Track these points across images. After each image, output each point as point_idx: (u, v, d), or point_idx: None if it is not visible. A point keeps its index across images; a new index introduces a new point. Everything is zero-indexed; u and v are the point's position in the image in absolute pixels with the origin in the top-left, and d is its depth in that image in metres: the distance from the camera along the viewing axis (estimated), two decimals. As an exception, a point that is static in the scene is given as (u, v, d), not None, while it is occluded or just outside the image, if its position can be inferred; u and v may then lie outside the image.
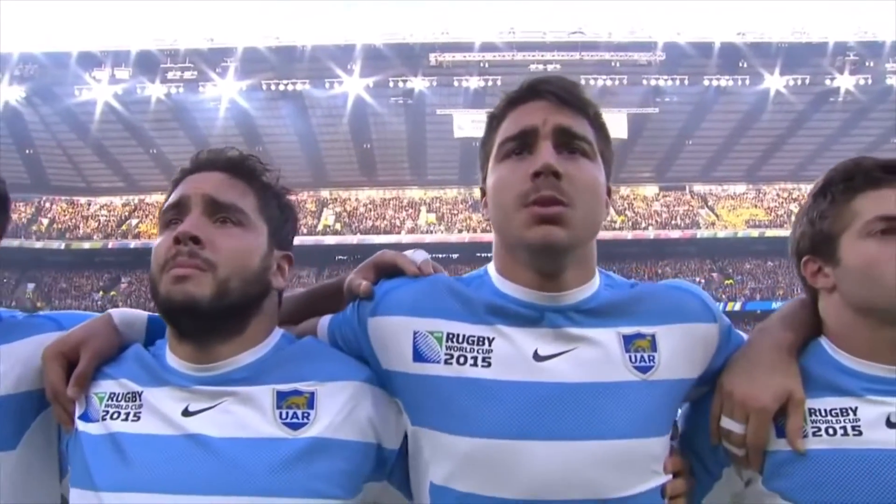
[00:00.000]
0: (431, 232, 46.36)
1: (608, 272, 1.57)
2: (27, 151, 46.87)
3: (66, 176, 49.26)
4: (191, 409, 1.38)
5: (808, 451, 1.39)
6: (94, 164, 48.07)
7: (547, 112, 1.44)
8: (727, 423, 1.45)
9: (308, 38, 43.32)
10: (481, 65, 43.41)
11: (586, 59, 44.01)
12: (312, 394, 1.41)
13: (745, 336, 1.60)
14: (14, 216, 46.20)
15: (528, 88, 1.48)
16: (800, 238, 1.60)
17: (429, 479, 1.40)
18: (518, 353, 1.40)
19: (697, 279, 44.97)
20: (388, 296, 1.50)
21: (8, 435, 1.48)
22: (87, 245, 45.44)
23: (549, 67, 43.44)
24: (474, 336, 1.42)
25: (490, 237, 1.56)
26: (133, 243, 44.77)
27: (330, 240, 45.27)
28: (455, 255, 41.43)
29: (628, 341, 1.43)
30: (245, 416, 1.37)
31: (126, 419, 1.39)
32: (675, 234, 47.04)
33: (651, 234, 47.15)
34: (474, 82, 43.10)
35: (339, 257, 44.77)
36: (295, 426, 1.37)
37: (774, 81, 44.08)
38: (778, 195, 50.04)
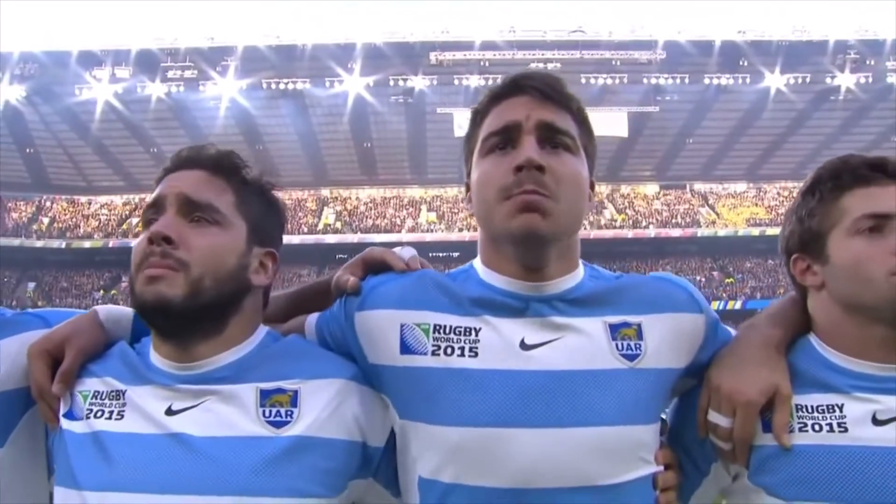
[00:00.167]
0: (432, 231, 46.40)
1: (592, 265, 1.58)
2: (28, 151, 46.90)
3: (66, 175, 49.28)
4: (174, 407, 1.37)
5: (793, 447, 1.40)
6: (95, 163, 48.10)
7: (530, 107, 1.45)
8: (714, 416, 1.46)
9: (308, 37, 43.38)
10: (482, 63, 43.42)
11: (587, 58, 44.04)
12: (296, 392, 1.40)
13: (733, 332, 1.61)
14: (15, 215, 46.62)
15: (512, 84, 1.50)
16: (789, 236, 1.61)
17: (417, 474, 1.40)
18: (505, 342, 1.41)
19: (698, 278, 44.97)
20: (375, 290, 1.50)
21: None
22: (87, 244, 45.49)
23: (550, 66, 43.42)
24: (461, 327, 1.43)
25: None
26: (134, 242, 44.51)
27: (330, 238, 45.33)
28: (456, 254, 41.36)
29: (614, 330, 1.44)
30: (228, 415, 1.36)
31: (109, 418, 1.38)
32: (675, 232, 47.06)
33: (652, 232, 47.17)
34: (475, 81, 43.09)
35: (340, 256, 44.73)
36: (278, 424, 1.36)
37: (775, 80, 44.09)
38: (778, 194, 50.03)
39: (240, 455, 1.32)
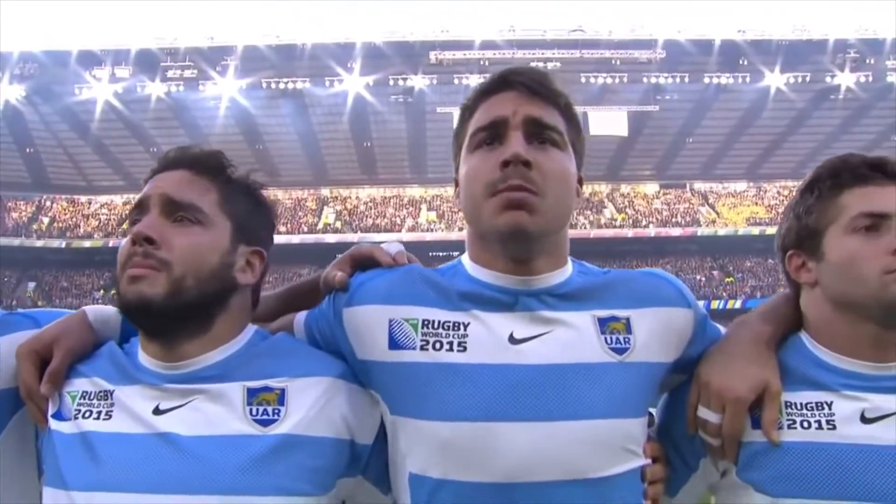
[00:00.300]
0: (432, 230, 46.39)
1: (581, 261, 1.59)
2: (27, 150, 46.88)
3: (66, 175, 49.27)
4: (161, 407, 1.38)
5: (782, 444, 1.41)
6: (95, 162, 48.08)
7: (517, 103, 1.45)
8: (704, 412, 1.47)
9: (308, 37, 43.32)
10: (481, 63, 43.36)
11: (586, 57, 44.00)
12: (283, 390, 1.41)
13: (722, 329, 1.61)
14: (14, 215, 46.62)
15: (500, 79, 1.50)
16: (786, 233, 1.62)
17: (407, 470, 1.40)
18: (494, 336, 1.41)
19: (698, 277, 44.99)
20: (363, 286, 1.51)
21: None
22: (87, 244, 45.46)
23: (550, 65, 43.37)
24: (450, 322, 1.43)
25: None
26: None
27: (330, 238, 45.26)
28: (456, 253, 40.87)
29: (603, 324, 1.44)
30: (215, 414, 1.37)
31: (97, 418, 1.39)
32: (675, 231, 47.05)
33: (652, 231, 47.17)
34: (474, 80, 42.82)
35: (340, 256, 44.74)
36: (265, 423, 1.37)
37: (775, 79, 44.07)
38: (778, 193, 50.02)
39: (227, 454, 1.32)
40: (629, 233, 47.02)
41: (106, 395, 1.41)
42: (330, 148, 48.20)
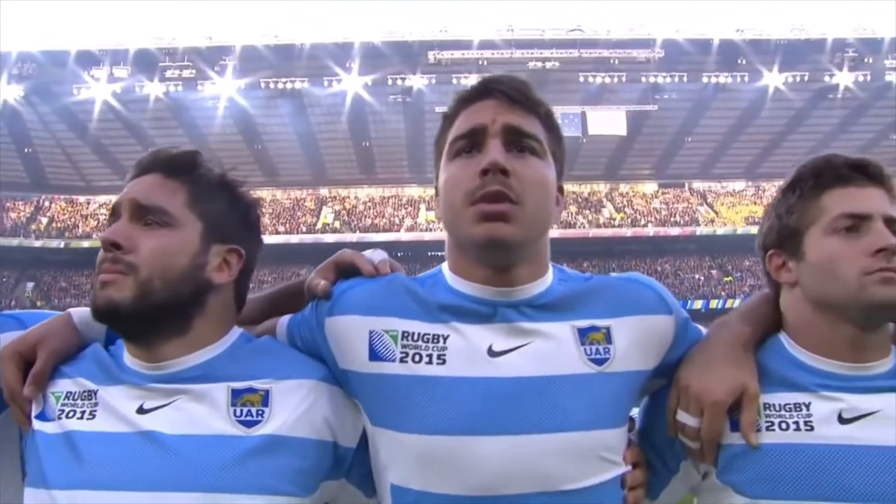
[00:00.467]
0: (431, 230, 46.34)
1: (562, 267, 1.58)
2: (26, 150, 46.83)
3: (64, 175, 49.23)
4: (145, 406, 1.38)
5: (760, 445, 1.41)
6: (93, 162, 48.04)
7: (497, 111, 1.45)
8: (683, 416, 1.47)
9: (306, 37, 43.31)
10: (480, 62, 43.37)
11: (585, 57, 44.01)
12: (267, 391, 1.41)
13: (703, 330, 1.61)
14: (13, 215, 46.55)
15: (479, 88, 1.50)
16: (767, 232, 1.62)
17: (389, 481, 1.40)
18: (473, 349, 1.40)
19: (697, 276, 45.03)
20: (345, 295, 1.50)
21: None
22: (86, 244, 45.36)
23: (548, 65, 43.48)
24: (429, 334, 1.43)
25: None
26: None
27: (329, 238, 45.23)
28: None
29: (583, 334, 1.44)
30: (199, 414, 1.38)
31: (81, 418, 1.39)
32: (674, 231, 47.06)
33: (650, 231, 47.18)
34: (473, 80, 42.62)
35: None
36: (249, 424, 1.37)
37: (773, 78, 44.09)
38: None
39: (210, 453, 1.33)
40: (628, 232, 47.04)
41: (90, 395, 1.42)
42: (328, 148, 48.19)
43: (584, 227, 46.72)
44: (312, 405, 1.43)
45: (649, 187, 51.76)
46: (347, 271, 1.58)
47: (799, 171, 1.59)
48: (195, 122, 45.06)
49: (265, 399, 1.41)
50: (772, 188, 50.27)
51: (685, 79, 44.77)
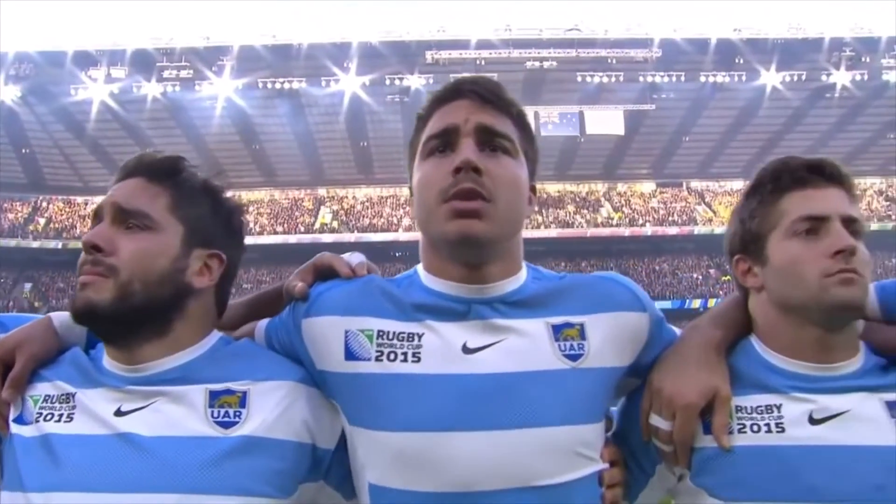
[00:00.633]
0: (429, 230, 46.33)
1: (536, 267, 1.59)
2: (23, 151, 46.74)
3: (62, 175, 49.14)
4: (123, 409, 1.39)
5: (732, 448, 1.42)
6: (91, 163, 47.93)
7: (469, 111, 1.47)
8: (656, 419, 1.48)
9: (304, 37, 43.24)
10: (477, 62, 43.33)
11: (582, 56, 43.98)
12: (245, 393, 1.42)
13: (678, 331, 1.62)
14: (11, 216, 46.50)
15: (452, 88, 1.53)
16: (731, 237, 1.64)
17: (367, 480, 1.41)
18: (447, 346, 1.42)
19: (695, 275, 45.06)
20: (321, 297, 1.52)
21: None
22: (84, 244, 45.33)
23: (546, 64, 43.46)
24: (404, 333, 1.44)
25: None
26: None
27: (327, 238, 45.18)
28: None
29: (557, 330, 1.45)
30: (176, 415, 1.38)
31: (59, 420, 1.39)
32: (672, 230, 47.07)
33: (648, 230, 47.20)
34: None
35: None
36: (226, 425, 1.38)
37: (771, 77, 44.10)
38: (775, 191, 49.98)
39: (187, 454, 1.33)
40: (626, 232, 47.05)
41: (68, 397, 1.42)
42: (326, 148, 48.15)
43: (581, 227, 46.72)
44: (290, 406, 1.44)
45: (647, 187, 51.76)
46: (325, 274, 1.59)
47: (759, 175, 1.61)
48: (193, 123, 44.98)
49: (243, 400, 1.41)
50: (769, 187, 50.25)
51: (683, 78, 44.75)
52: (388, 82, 44.17)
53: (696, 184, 51.63)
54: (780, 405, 1.44)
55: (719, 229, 46.65)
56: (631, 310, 1.52)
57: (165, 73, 43.07)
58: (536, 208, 1.60)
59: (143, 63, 42.74)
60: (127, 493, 1.28)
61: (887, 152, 47.54)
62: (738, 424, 1.44)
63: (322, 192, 50.87)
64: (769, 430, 1.42)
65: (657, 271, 46.02)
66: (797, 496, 1.35)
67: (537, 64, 43.54)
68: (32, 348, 1.48)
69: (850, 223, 1.47)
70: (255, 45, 42.73)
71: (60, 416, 1.40)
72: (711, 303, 40.54)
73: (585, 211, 48.45)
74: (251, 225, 46.09)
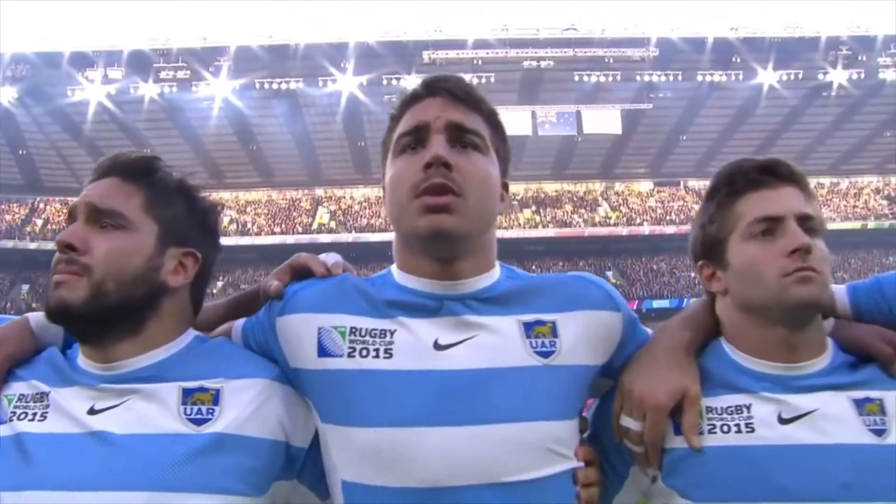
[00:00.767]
0: (427, 229, 46.34)
1: (511, 266, 1.60)
2: (20, 152, 46.70)
3: (59, 176, 49.08)
4: (96, 407, 1.39)
5: (703, 449, 1.43)
6: (88, 164, 47.46)
7: (440, 109, 1.49)
8: (626, 420, 1.48)
9: (301, 37, 43.26)
10: (475, 62, 43.38)
11: (580, 56, 44.03)
12: (218, 390, 1.42)
13: (651, 332, 1.63)
14: (8, 217, 46.43)
15: (424, 87, 1.54)
16: (693, 243, 1.66)
17: (339, 478, 1.41)
18: (419, 343, 1.42)
19: (692, 274, 45.03)
20: (296, 296, 1.53)
21: None
22: (81, 246, 45.28)
23: (543, 64, 43.50)
24: (377, 329, 1.45)
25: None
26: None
27: (325, 238, 45.19)
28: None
29: (528, 328, 1.46)
30: (149, 413, 1.38)
31: (32, 419, 1.39)
32: (670, 229, 47.09)
33: (646, 229, 47.25)
34: (468, 79, 42.95)
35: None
36: (199, 422, 1.38)
37: (768, 76, 44.20)
38: (772, 190, 50.05)
39: (159, 451, 1.33)
40: (623, 231, 47.11)
41: (42, 396, 1.42)
42: (324, 148, 48.16)
43: (579, 226, 46.77)
44: (264, 404, 1.44)
45: (645, 186, 51.84)
46: (302, 273, 1.60)
47: (714, 179, 1.62)
48: (190, 123, 44.96)
49: (216, 398, 1.41)
50: (767, 186, 50.32)
51: (680, 77, 44.81)
52: (385, 82, 44.17)
53: (693, 183, 51.66)
54: (750, 405, 1.45)
55: (717, 228, 46.69)
56: (604, 308, 1.53)
57: (162, 74, 43.05)
58: (511, 205, 1.61)
59: (140, 64, 42.71)
60: (99, 492, 1.28)
61: (884, 150, 47.66)
62: (709, 425, 1.45)
63: (320, 192, 50.88)
64: (739, 431, 1.42)
65: (655, 270, 46.07)
66: (767, 496, 1.35)
67: (534, 63, 43.59)
68: (8, 349, 1.49)
69: (806, 221, 1.48)
70: (252, 46, 42.74)
71: (34, 415, 1.40)
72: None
73: (583, 210, 48.49)
74: (249, 226, 46.58)
